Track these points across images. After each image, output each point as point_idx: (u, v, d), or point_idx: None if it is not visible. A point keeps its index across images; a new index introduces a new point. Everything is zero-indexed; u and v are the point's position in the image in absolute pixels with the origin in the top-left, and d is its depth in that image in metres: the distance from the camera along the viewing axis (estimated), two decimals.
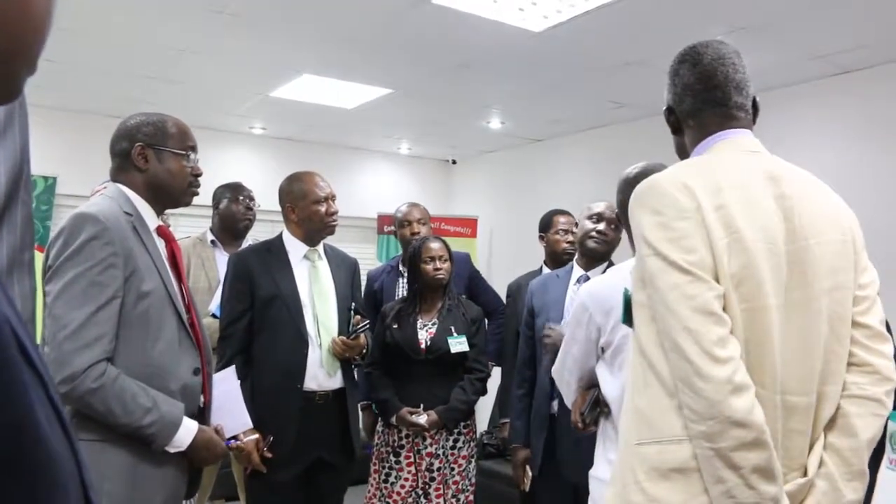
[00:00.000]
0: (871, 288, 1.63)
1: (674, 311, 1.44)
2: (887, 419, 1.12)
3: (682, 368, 1.42)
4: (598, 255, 3.29)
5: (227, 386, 2.52)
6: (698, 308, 1.42)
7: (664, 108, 1.82)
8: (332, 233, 3.23)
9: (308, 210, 3.14)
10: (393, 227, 4.47)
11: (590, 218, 3.28)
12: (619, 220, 3.18)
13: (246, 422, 2.63)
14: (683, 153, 1.79)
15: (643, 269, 1.53)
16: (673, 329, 1.44)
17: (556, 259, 4.07)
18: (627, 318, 1.72)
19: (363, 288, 4.17)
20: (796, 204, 1.55)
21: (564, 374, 2.46)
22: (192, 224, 5.71)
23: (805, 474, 1.51)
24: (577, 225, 3.67)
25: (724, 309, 1.45)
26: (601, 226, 3.23)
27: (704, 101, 1.71)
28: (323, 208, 3.14)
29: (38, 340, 1.89)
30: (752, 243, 1.48)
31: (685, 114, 1.75)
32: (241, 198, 4.10)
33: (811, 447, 1.53)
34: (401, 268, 4.25)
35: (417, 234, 4.14)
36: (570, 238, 3.99)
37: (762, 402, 1.43)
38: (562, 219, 4.12)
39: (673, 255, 1.47)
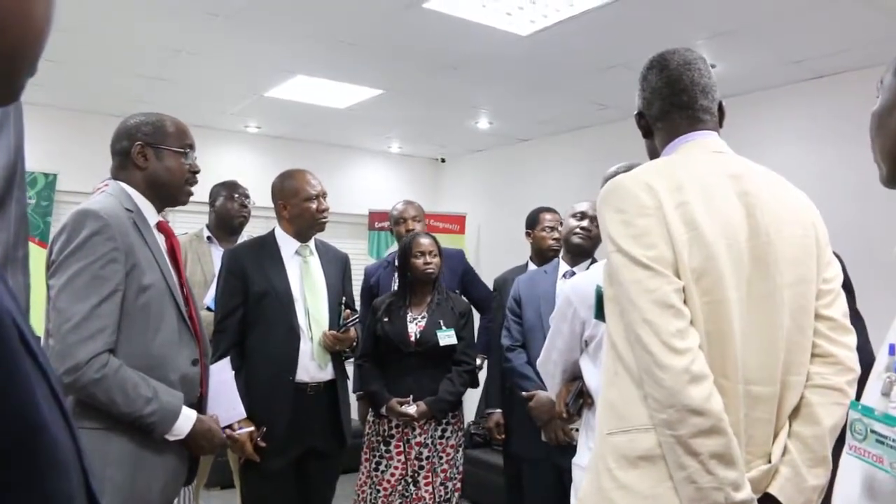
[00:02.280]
0: (835, 282, 1.67)
1: (635, 305, 1.49)
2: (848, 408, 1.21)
3: (644, 359, 1.47)
4: (582, 251, 3.41)
5: (222, 377, 2.54)
6: (657, 301, 1.47)
7: (635, 112, 1.86)
8: (322, 229, 3.28)
9: (299, 207, 3.18)
10: (386, 224, 4.55)
11: (574, 216, 3.40)
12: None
13: (240, 412, 2.64)
14: (654, 155, 1.82)
15: (609, 265, 1.58)
16: (635, 322, 1.49)
17: (542, 255, 4.14)
18: (600, 313, 1.76)
19: (361, 283, 4.26)
20: (759, 201, 1.59)
21: (549, 366, 2.51)
22: (189, 220, 5.75)
23: (769, 461, 1.55)
24: (562, 223, 3.77)
25: (685, 302, 1.49)
26: (584, 223, 3.36)
27: (672, 104, 1.75)
28: (314, 205, 3.18)
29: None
30: (712, 239, 1.52)
31: (654, 117, 1.80)
32: (237, 195, 4.18)
33: (776, 435, 1.57)
34: (396, 263, 4.35)
35: (412, 231, 4.22)
36: (556, 235, 4.04)
37: (725, 392, 1.47)
38: (548, 216, 4.17)
39: (634, 251, 1.51)
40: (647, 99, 1.81)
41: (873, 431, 1.10)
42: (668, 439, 1.44)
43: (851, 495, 1.16)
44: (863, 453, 1.11)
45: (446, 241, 4.74)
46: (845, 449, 1.17)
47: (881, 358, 1.17)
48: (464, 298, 4.08)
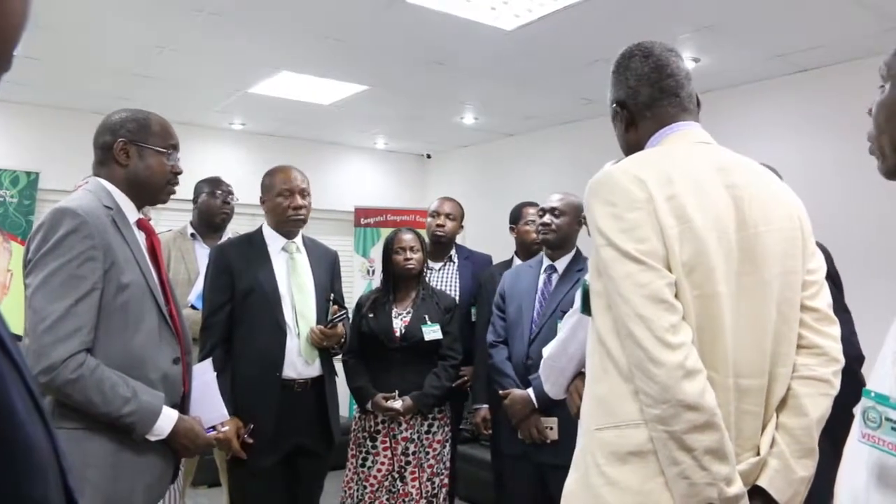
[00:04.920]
0: (819, 273, 1.68)
1: (627, 300, 1.47)
2: (860, 394, 1.20)
3: (636, 355, 1.45)
4: (547, 245, 3.46)
5: (204, 378, 2.51)
6: (650, 296, 1.45)
7: (612, 105, 1.81)
8: (296, 226, 3.24)
9: (273, 202, 3.19)
10: (372, 220, 4.53)
11: (538, 213, 3.51)
12: (566, 210, 3.33)
13: (223, 413, 2.60)
14: (637, 148, 1.77)
15: (598, 259, 1.55)
16: (626, 316, 1.47)
17: (527, 249, 4.15)
18: (586, 307, 1.72)
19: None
20: (746, 193, 1.59)
21: (562, 360, 2.41)
22: (173, 218, 5.72)
23: (758, 454, 1.55)
24: None
25: (677, 296, 1.48)
26: (545, 217, 3.41)
27: (661, 89, 1.73)
28: (286, 201, 3.16)
29: None
30: (703, 232, 1.50)
31: (642, 105, 1.75)
32: (219, 192, 4.15)
33: (763, 427, 1.57)
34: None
35: (442, 227, 4.28)
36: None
37: (715, 385, 1.46)
38: (531, 210, 4.17)
39: (625, 244, 1.49)
40: (633, 87, 1.76)
41: (888, 419, 1.09)
42: (660, 435, 1.43)
43: (858, 484, 1.15)
44: (877, 441, 1.10)
45: None
46: (856, 437, 1.15)
47: (890, 344, 1.16)
48: (449, 294, 4.08)
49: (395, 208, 7.14)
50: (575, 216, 3.38)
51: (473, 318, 4.17)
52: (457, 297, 4.14)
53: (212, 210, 4.14)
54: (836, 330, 1.66)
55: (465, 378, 4.05)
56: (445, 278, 4.34)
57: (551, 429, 3.15)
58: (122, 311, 2.09)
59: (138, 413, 2.06)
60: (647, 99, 1.74)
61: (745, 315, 1.54)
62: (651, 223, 1.50)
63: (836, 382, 1.62)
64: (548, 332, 3.22)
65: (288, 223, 3.22)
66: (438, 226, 4.29)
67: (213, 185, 4.18)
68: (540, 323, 3.34)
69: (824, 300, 1.67)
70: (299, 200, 3.20)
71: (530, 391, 3.23)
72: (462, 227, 4.49)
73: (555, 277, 3.44)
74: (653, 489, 1.45)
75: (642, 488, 1.45)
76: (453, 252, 4.44)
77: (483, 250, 4.71)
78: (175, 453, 2.25)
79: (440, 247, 4.35)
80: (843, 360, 1.65)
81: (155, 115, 2.33)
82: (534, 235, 4.09)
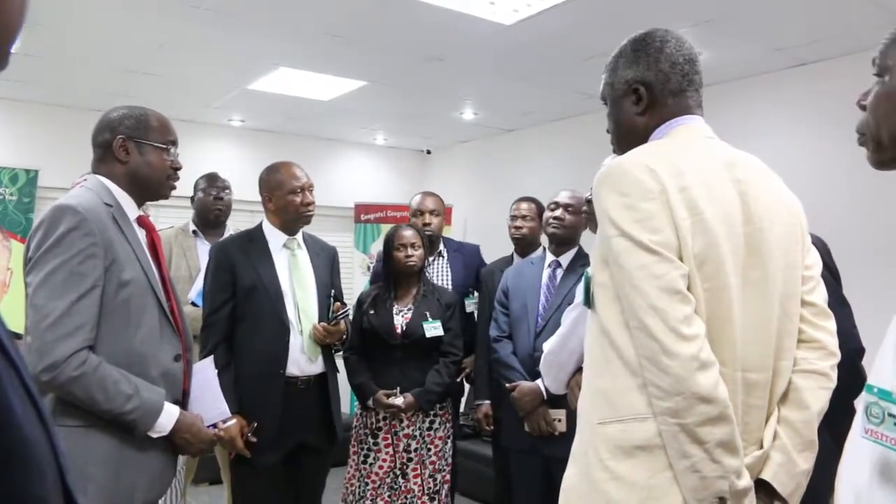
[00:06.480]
0: (816, 268, 1.69)
1: (640, 291, 1.45)
2: (861, 387, 1.19)
3: (649, 346, 1.44)
4: (558, 240, 3.44)
5: (204, 375, 2.50)
6: (665, 287, 1.44)
7: (629, 83, 1.75)
8: (307, 222, 3.27)
9: (283, 200, 3.18)
10: (372, 217, 4.51)
11: (549, 207, 3.47)
12: (577, 206, 3.34)
13: (224, 411, 2.57)
14: (635, 134, 1.74)
15: (608, 250, 1.53)
16: (639, 308, 1.45)
17: (516, 244, 4.15)
18: (588, 300, 1.69)
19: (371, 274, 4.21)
20: (751, 188, 1.59)
21: (562, 355, 2.43)
22: (173, 215, 5.74)
23: (761, 447, 1.55)
24: (541, 214, 3.80)
25: (689, 288, 1.47)
26: (557, 212, 3.41)
27: (690, 81, 1.72)
28: (298, 198, 3.17)
29: None
30: (713, 224, 1.50)
31: (669, 91, 1.72)
32: (213, 188, 4.16)
33: (766, 421, 1.58)
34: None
35: (429, 225, 4.19)
36: (519, 224, 4.05)
37: (723, 379, 1.46)
38: (523, 205, 4.13)
39: (639, 235, 1.47)
40: (665, 72, 1.71)
41: (891, 415, 1.08)
42: (671, 428, 1.42)
43: (860, 480, 1.14)
44: (879, 437, 1.09)
45: None
46: (859, 432, 1.14)
47: (892, 339, 1.16)
48: (450, 290, 4.07)
49: (395, 204, 7.12)
50: (581, 212, 3.38)
51: (468, 310, 4.16)
52: (450, 289, 4.13)
53: (205, 206, 4.15)
54: (832, 324, 1.67)
55: (467, 370, 4.04)
56: (437, 272, 4.32)
57: (559, 421, 3.15)
58: (124, 308, 2.09)
59: (140, 410, 2.06)
60: (676, 86, 1.72)
61: (751, 309, 1.54)
62: (664, 214, 1.49)
63: (834, 376, 1.64)
64: (554, 325, 3.19)
65: (301, 220, 3.24)
66: (425, 224, 4.22)
67: (208, 181, 4.19)
68: (546, 316, 3.34)
69: (821, 295, 1.68)
70: (310, 196, 3.23)
71: (539, 382, 3.22)
72: (443, 220, 4.45)
73: (559, 272, 3.45)
74: (660, 483, 1.44)
75: (649, 483, 1.44)
76: (441, 246, 4.42)
77: (483, 246, 4.70)
78: (177, 450, 2.25)
79: (428, 243, 4.33)
80: (839, 354, 1.66)
81: (153, 110, 2.32)
82: (513, 230, 4.08)
